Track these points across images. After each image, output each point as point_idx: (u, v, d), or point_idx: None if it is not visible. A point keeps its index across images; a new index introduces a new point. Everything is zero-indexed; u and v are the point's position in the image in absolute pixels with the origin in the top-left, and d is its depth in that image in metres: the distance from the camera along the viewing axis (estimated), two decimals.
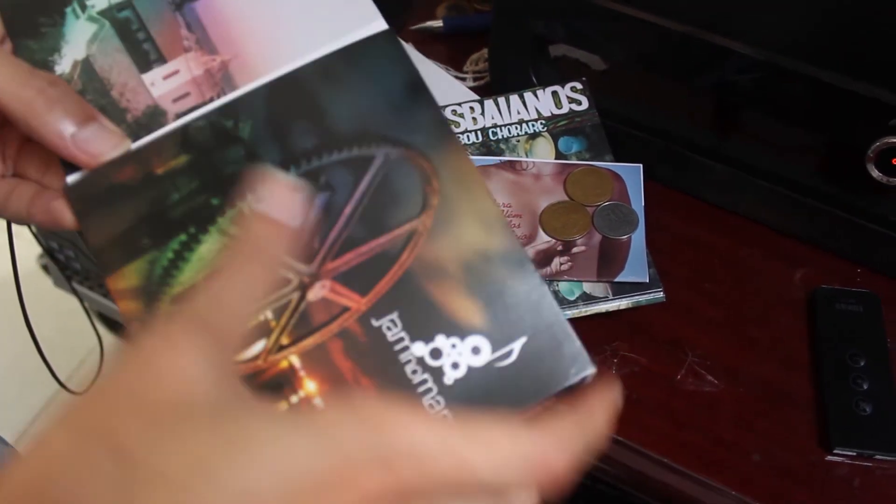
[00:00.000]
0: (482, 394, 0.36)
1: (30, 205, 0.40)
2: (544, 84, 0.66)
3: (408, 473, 0.24)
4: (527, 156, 0.63)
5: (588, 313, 0.55)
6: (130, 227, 0.39)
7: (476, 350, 0.37)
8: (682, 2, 0.57)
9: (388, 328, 0.37)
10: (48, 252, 0.92)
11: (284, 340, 0.37)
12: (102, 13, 0.42)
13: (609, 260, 0.56)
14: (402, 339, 0.37)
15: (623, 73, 0.72)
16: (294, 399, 0.36)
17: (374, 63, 0.41)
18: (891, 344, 0.56)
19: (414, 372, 0.36)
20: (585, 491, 0.67)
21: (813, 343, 0.57)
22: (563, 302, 0.55)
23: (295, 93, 0.40)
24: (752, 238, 0.62)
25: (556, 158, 0.62)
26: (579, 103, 0.64)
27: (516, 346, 0.37)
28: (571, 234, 0.58)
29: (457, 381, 0.36)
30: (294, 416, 0.25)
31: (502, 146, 0.63)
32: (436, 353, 0.36)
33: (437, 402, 0.36)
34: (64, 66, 0.40)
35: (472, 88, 0.70)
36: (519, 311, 0.37)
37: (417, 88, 0.40)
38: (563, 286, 0.56)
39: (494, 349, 0.36)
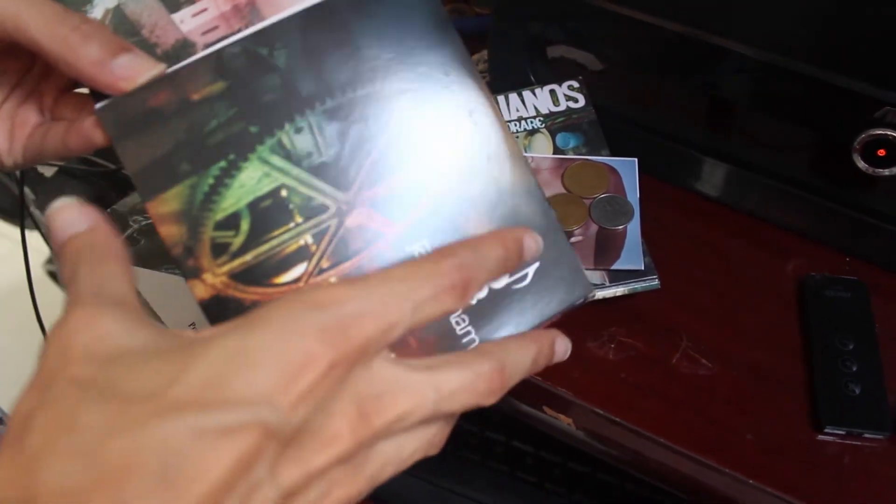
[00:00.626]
0: (502, 311, 0.40)
1: (65, 137, 0.42)
2: (542, 83, 0.68)
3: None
4: (526, 151, 0.65)
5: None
6: (169, 153, 0.39)
7: None
8: (672, 1, 0.59)
9: (419, 253, 0.40)
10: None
11: (325, 264, 0.40)
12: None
13: (605, 249, 0.59)
14: None
15: (619, 72, 0.75)
16: None
17: None
18: (878, 328, 0.58)
19: None
20: (586, 478, 0.69)
21: (803, 328, 0.59)
22: None
23: (328, 23, 0.41)
24: (744, 230, 0.64)
25: (553, 154, 0.65)
26: (576, 101, 0.67)
27: (530, 270, 0.41)
28: (569, 225, 0.60)
29: (479, 301, 0.40)
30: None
31: None
32: None
33: (463, 319, 0.39)
34: (96, 13, 0.42)
35: None
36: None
37: (443, 24, 0.42)
38: None
39: (512, 273, 0.40)
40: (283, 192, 0.40)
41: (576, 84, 0.67)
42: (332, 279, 0.39)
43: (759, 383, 0.56)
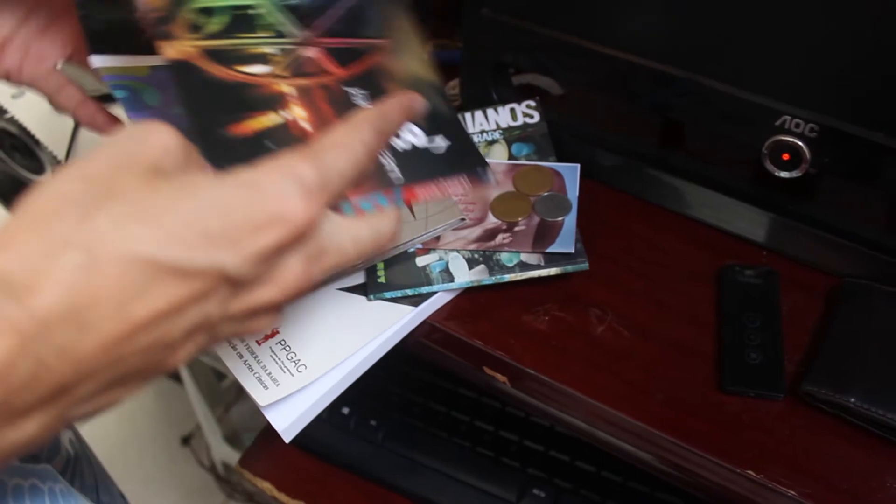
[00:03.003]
0: (422, 163, 0.50)
1: (77, 106, 0.53)
2: (505, 102, 0.78)
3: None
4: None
5: (524, 278, 0.66)
6: None
7: (414, 133, 0.51)
8: (608, 31, 0.69)
9: (356, 96, 0.50)
10: None
11: (283, 73, 0.48)
12: None
13: (544, 236, 0.68)
14: (366, 106, 0.50)
15: (573, 94, 0.85)
16: (283, 114, 0.47)
17: None
18: (784, 310, 0.66)
19: None
20: (537, 455, 0.77)
21: (718, 309, 0.67)
22: (503, 268, 0.66)
23: None
24: (675, 227, 0.73)
25: (508, 160, 0.74)
26: (532, 117, 0.77)
27: (443, 143, 0.52)
28: (515, 217, 0.69)
29: (404, 151, 0.50)
30: (233, 180, 0.35)
31: None
32: None
33: (390, 160, 0.49)
34: None
35: None
36: (442, 122, 0.52)
37: None
38: (503, 255, 0.67)
39: (427, 136, 0.51)
40: (253, 11, 0.49)
41: (533, 103, 0.78)
42: (287, 88, 0.48)
43: (674, 353, 0.64)
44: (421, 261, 0.67)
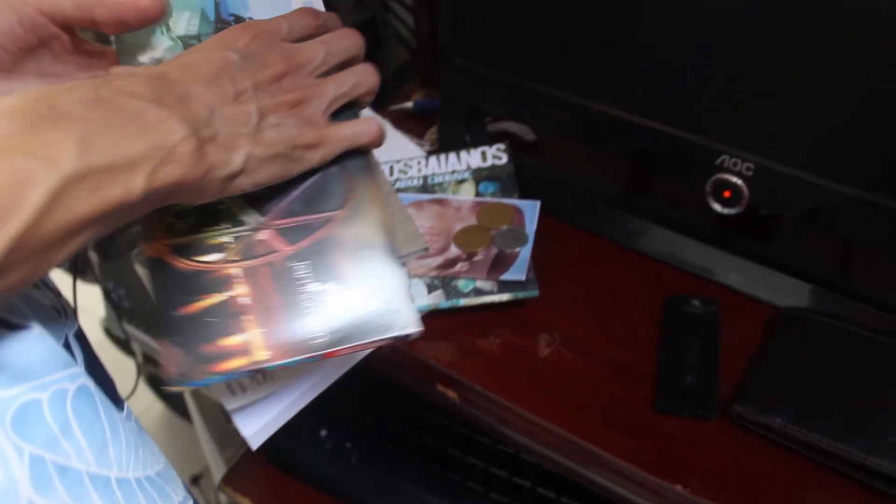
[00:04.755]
0: (345, 327, 0.54)
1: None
2: (477, 145, 0.84)
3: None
4: (453, 195, 0.80)
5: (478, 303, 0.71)
6: None
7: (349, 298, 0.54)
8: (570, 79, 0.75)
9: (298, 270, 0.55)
10: (105, 292, 1.13)
11: (234, 257, 0.56)
12: (179, 37, 0.62)
13: (499, 266, 0.73)
14: (304, 280, 0.55)
15: (541, 139, 0.91)
16: (229, 295, 0.54)
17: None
18: (725, 337, 0.70)
19: (307, 300, 0.54)
20: (462, 440, 0.80)
21: (660, 335, 0.71)
22: (458, 293, 0.71)
23: None
24: (627, 261, 0.77)
25: (475, 197, 0.80)
26: (500, 159, 0.83)
27: (376, 304, 0.55)
28: (475, 248, 0.75)
29: (332, 312, 0.54)
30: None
31: (436, 188, 0.82)
32: (321, 293, 0.54)
33: (317, 322, 0.54)
34: (144, 59, 0.61)
35: (428, 151, 0.89)
36: (383, 283, 0.55)
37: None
38: (460, 282, 0.72)
39: (361, 301, 0.54)
40: (222, 207, 0.57)
41: (502, 146, 0.83)
42: (234, 271, 0.55)
43: (616, 375, 0.68)
44: None
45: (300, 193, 0.58)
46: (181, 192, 0.47)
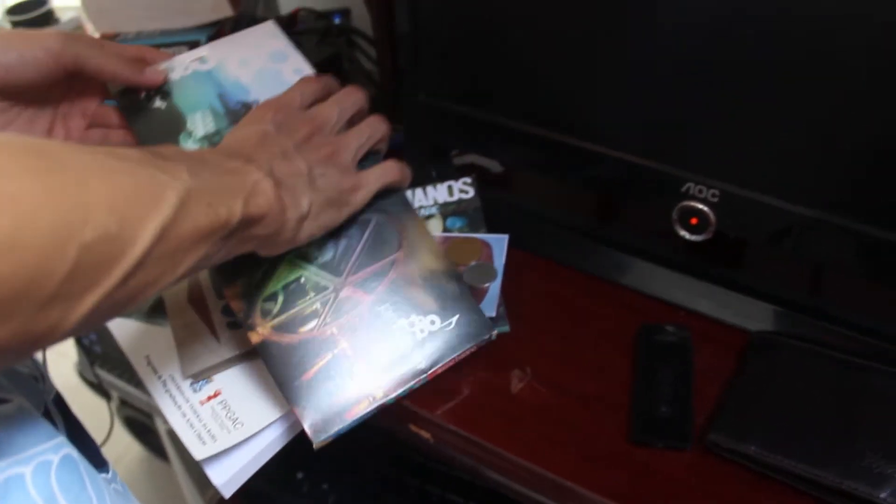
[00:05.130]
0: (439, 344, 0.65)
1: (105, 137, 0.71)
2: (443, 180, 0.84)
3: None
4: None
5: None
6: (236, 262, 0.59)
7: (433, 322, 0.65)
8: (537, 109, 0.75)
9: (385, 311, 0.65)
10: (75, 338, 1.11)
11: (328, 319, 0.65)
12: (201, 138, 0.70)
13: None
14: (393, 318, 0.65)
15: (508, 171, 0.91)
16: (337, 350, 0.64)
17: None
18: (698, 364, 0.70)
19: (401, 335, 0.65)
20: (441, 477, 0.80)
21: (633, 365, 0.71)
22: None
23: None
24: (597, 291, 0.77)
25: (443, 232, 0.80)
26: (467, 193, 0.82)
27: (454, 319, 0.65)
28: None
29: (423, 338, 0.65)
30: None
31: None
32: (412, 324, 0.65)
33: (415, 350, 0.64)
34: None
35: None
36: (455, 301, 0.66)
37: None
38: None
39: (442, 321, 0.65)
40: (302, 280, 0.66)
41: (469, 180, 0.83)
42: (335, 329, 0.65)
43: (590, 408, 0.68)
44: None
45: (362, 248, 0.68)
46: (265, 224, 0.54)
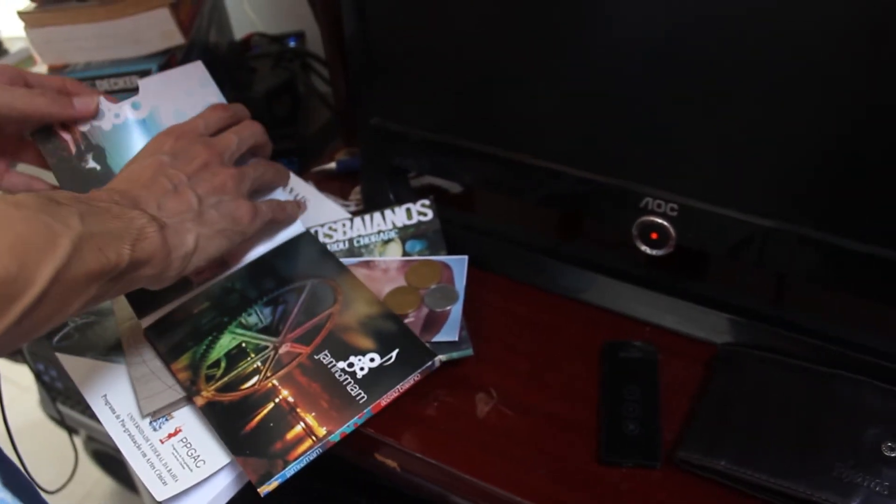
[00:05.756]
0: (381, 378, 0.66)
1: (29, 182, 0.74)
2: (402, 202, 0.83)
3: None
4: (380, 256, 0.79)
5: None
6: (182, 339, 0.71)
7: (372, 360, 0.67)
8: (492, 131, 0.75)
9: (323, 358, 0.68)
10: (35, 374, 1.09)
11: (269, 374, 0.68)
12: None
13: (431, 326, 0.71)
14: (332, 362, 0.67)
15: (466, 191, 0.90)
16: (277, 400, 0.66)
17: (300, 245, 0.77)
18: (664, 379, 0.69)
19: (340, 375, 0.67)
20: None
21: (599, 384, 0.70)
22: None
23: (263, 265, 0.76)
24: (560, 308, 0.76)
25: (402, 256, 0.79)
26: (426, 215, 0.81)
27: (394, 353, 0.68)
28: (405, 310, 0.73)
29: (363, 376, 0.67)
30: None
31: (363, 250, 0.80)
32: (350, 365, 0.67)
33: (354, 388, 0.66)
34: None
35: (353, 211, 0.88)
36: (393, 337, 0.69)
37: (324, 251, 0.77)
38: None
39: (381, 357, 0.68)
40: (244, 344, 0.70)
41: (427, 202, 0.82)
42: (275, 382, 0.67)
43: (557, 430, 0.67)
44: None
45: (298, 309, 0.72)
46: (152, 265, 0.58)
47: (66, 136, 0.72)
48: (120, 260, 0.54)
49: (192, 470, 0.65)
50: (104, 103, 0.72)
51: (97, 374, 0.73)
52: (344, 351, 0.68)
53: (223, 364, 0.69)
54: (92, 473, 1.66)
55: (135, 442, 0.68)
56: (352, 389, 0.66)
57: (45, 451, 1.18)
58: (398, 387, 0.66)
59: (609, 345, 0.72)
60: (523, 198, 0.76)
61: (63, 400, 1.16)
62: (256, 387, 0.67)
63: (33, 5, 0.98)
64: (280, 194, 0.78)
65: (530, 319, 0.76)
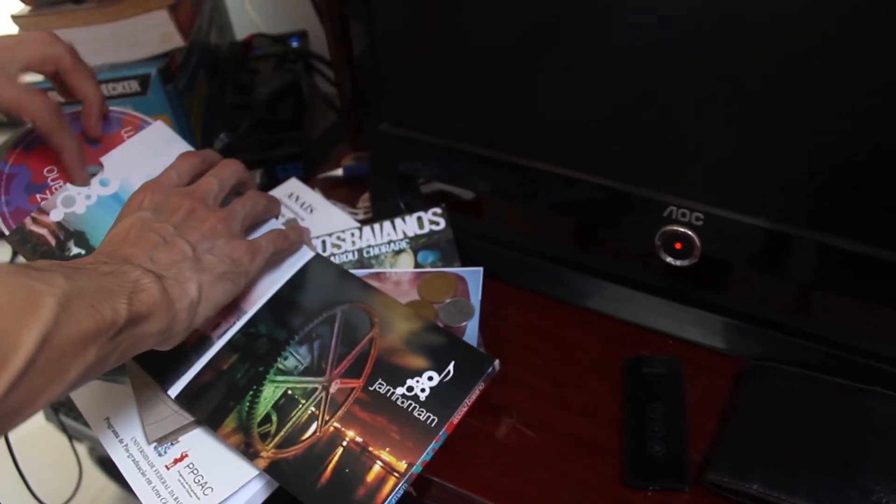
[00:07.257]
0: (445, 396, 0.62)
1: None
2: (412, 211, 0.80)
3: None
4: (391, 267, 0.76)
5: None
6: (220, 401, 0.65)
7: (430, 378, 0.63)
8: (506, 138, 0.72)
9: (379, 387, 0.64)
10: None
11: (327, 417, 0.63)
12: None
13: None
14: (389, 390, 0.63)
15: (480, 198, 0.87)
16: (345, 443, 0.61)
17: (315, 270, 0.72)
18: (690, 396, 0.66)
19: (402, 402, 0.62)
20: None
21: (622, 402, 0.67)
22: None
23: (282, 301, 0.70)
24: (579, 322, 0.74)
25: (414, 268, 0.76)
26: (438, 224, 0.78)
27: (451, 367, 0.64)
28: None
29: (427, 397, 0.62)
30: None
31: (373, 261, 0.77)
32: (410, 389, 0.63)
33: (421, 412, 0.62)
34: None
35: (362, 220, 0.85)
36: (444, 350, 0.65)
37: (343, 272, 0.72)
38: None
39: (439, 373, 0.63)
40: (290, 392, 0.65)
41: (439, 210, 0.79)
42: (336, 424, 0.62)
43: (579, 451, 0.64)
44: None
45: (336, 341, 0.68)
46: (156, 319, 0.54)
47: (42, 231, 0.69)
48: (117, 316, 0.50)
49: (199, 498, 0.62)
50: (71, 189, 0.70)
51: (100, 396, 0.70)
52: (398, 375, 0.64)
53: (274, 418, 0.64)
54: (97, 480, 1.64)
55: (139, 468, 0.65)
56: (419, 414, 0.62)
57: (50, 459, 1.16)
58: (466, 401, 0.62)
59: (631, 360, 0.69)
60: (540, 207, 0.73)
61: (66, 412, 1.13)
62: (318, 434, 0.62)
63: (28, 8, 0.95)
64: (275, 224, 0.73)
65: (549, 333, 0.73)
